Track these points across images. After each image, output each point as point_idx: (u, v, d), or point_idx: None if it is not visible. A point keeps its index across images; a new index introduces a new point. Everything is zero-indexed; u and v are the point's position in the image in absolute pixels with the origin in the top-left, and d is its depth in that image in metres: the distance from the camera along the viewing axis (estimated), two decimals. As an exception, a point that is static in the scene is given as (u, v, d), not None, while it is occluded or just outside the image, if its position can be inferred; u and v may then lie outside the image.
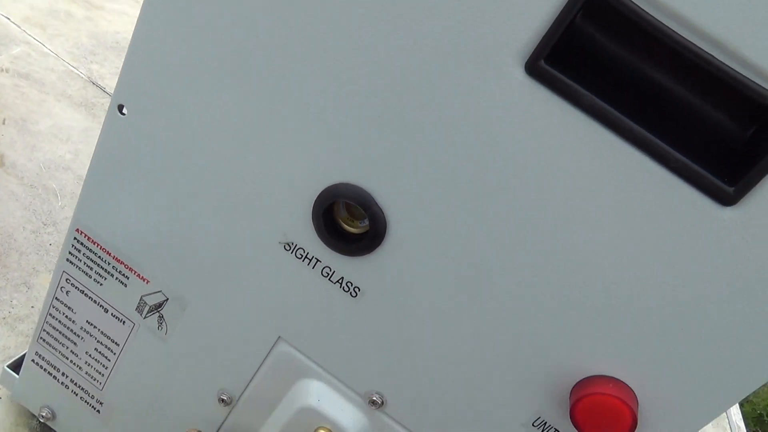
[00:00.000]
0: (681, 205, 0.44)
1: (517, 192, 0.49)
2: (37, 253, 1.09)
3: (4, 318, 0.98)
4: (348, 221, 0.59)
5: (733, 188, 0.42)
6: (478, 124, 0.48)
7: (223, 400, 0.71)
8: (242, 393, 0.70)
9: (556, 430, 0.58)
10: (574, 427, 0.54)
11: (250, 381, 0.69)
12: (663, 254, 0.47)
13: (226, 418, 0.73)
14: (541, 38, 0.43)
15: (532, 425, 0.59)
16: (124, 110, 0.60)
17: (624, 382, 0.54)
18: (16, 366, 0.86)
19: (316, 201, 0.56)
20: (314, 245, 0.59)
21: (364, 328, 0.61)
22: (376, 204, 0.54)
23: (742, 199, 0.42)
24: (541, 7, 0.42)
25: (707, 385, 0.51)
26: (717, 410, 0.53)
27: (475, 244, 0.53)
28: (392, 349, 0.61)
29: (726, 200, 0.43)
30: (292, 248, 0.60)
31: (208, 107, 0.57)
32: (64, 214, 1.25)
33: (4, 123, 1.25)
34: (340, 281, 0.59)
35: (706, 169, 0.42)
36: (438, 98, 0.49)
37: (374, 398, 0.63)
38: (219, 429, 0.74)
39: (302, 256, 0.60)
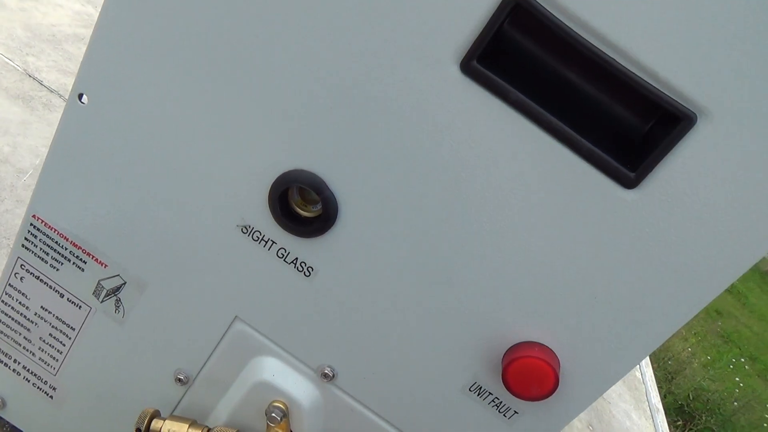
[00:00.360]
0: (591, 187, 0.51)
1: (454, 176, 0.56)
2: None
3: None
4: (301, 206, 0.64)
5: (633, 173, 0.50)
6: (420, 115, 0.54)
7: (180, 379, 0.74)
8: (199, 372, 0.74)
9: (490, 392, 0.65)
10: (506, 388, 0.60)
11: (207, 360, 0.73)
12: (578, 231, 0.55)
13: (182, 397, 0.76)
14: (473, 41, 0.49)
15: (469, 390, 0.65)
16: (84, 98, 0.63)
17: (547, 346, 0.61)
18: (-37, 355, 0.86)
19: (272, 186, 0.61)
20: (270, 228, 0.63)
21: (316, 305, 0.66)
22: (328, 189, 0.60)
23: (641, 183, 0.50)
24: (473, 13, 0.48)
25: (617, 344, 0.58)
26: (626, 367, 0.61)
27: (417, 225, 0.59)
28: (343, 325, 0.66)
29: (628, 183, 0.50)
30: (249, 231, 0.64)
31: (166, 96, 0.61)
32: (4, 207, 1.23)
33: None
34: (294, 262, 0.64)
35: (612, 156, 0.50)
36: (384, 92, 0.54)
37: (326, 371, 0.68)
38: (175, 408, 0.77)
39: (259, 238, 0.64)
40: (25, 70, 1.60)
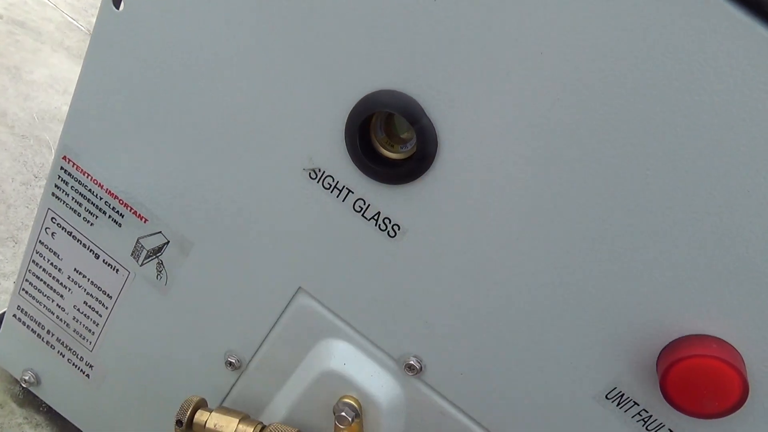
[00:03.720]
0: None
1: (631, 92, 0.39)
2: (27, 207, 0.99)
3: (-13, 273, 0.89)
4: (387, 145, 0.48)
5: None
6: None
7: (231, 363, 0.61)
8: (254, 355, 0.60)
9: (635, 402, 0.47)
10: (665, 398, 0.43)
11: (264, 341, 0.59)
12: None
13: (235, 384, 0.63)
14: None
15: (606, 398, 0.48)
16: (121, 4, 0.50)
17: (728, 343, 0.43)
18: (-4, 323, 0.76)
19: (350, 114, 0.46)
20: (346, 172, 0.48)
21: (403, 276, 0.50)
22: (426, 116, 0.44)
23: None
24: None
25: None
26: None
27: (548, 170, 0.43)
28: (436, 304, 0.50)
29: None
30: (318, 176, 0.49)
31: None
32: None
33: (-5, 69, 1.15)
34: (375, 217, 0.49)
35: None
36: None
37: (411, 363, 0.53)
38: (226, 397, 0.64)
39: (331, 186, 0.49)
40: (89, 30, 1.53)
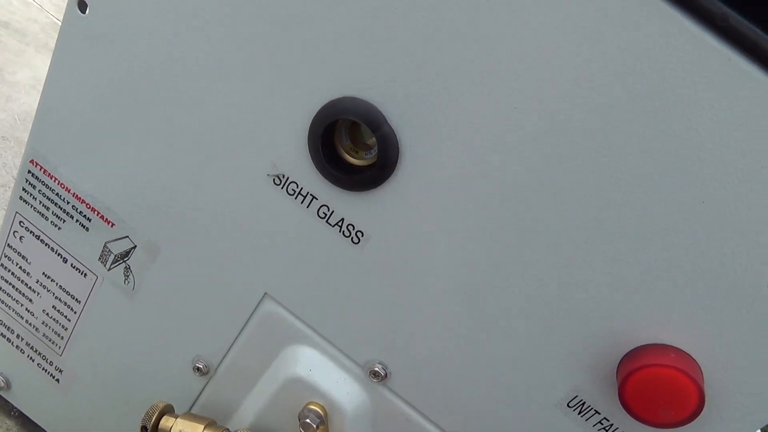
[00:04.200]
0: None
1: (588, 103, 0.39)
2: (5, 209, 0.98)
3: (-39, 276, 0.88)
4: (352, 152, 0.48)
5: None
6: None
7: (199, 368, 0.61)
8: (222, 361, 0.60)
9: (596, 411, 0.48)
10: (623, 407, 0.43)
11: (231, 346, 0.59)
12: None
13: (203, 390, 0.63)
14: None
15: (568, 406, 0.48)
16: (87, 9, 0.50)
17: (687, 353, 0.43)
18: (-33, 327, 0.75)
19: (313, 120, 0.46)
20: (310, 178, 0.48)
21: (367, 282, 0.50)
22: (388, 124, 0.44)
23: None
24: None
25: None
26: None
27: (509, 178, 0.43)
28: (401, 310, 0.50)
29: None
30: (282, 182, 0.49)
31: (184, 4, 0.47)
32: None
33: (-23, 70, 1.15)
34: (339, 224, 0.49)
35: None
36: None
37: (376, 369, 0.53)
38: (194, 403, 0.64)
39: (295, 192, 0.49)
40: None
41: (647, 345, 0.44)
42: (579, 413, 0.48)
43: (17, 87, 1.20)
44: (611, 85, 0.38)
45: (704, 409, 0.42)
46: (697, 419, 0.42)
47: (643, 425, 0.44)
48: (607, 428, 0.48)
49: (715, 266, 0.40)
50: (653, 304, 0.43)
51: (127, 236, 0.57)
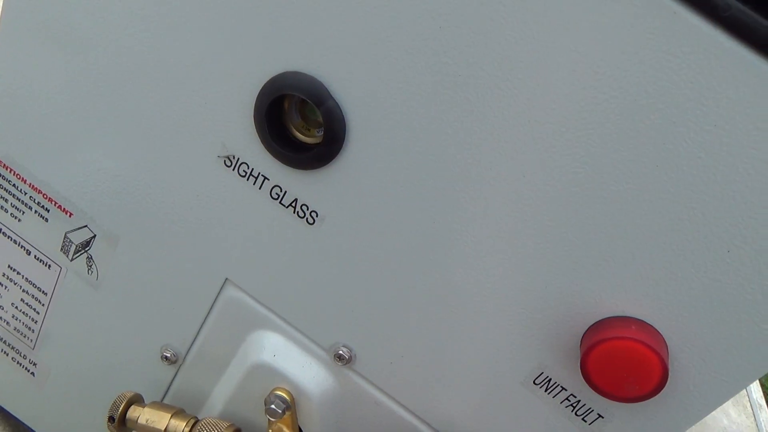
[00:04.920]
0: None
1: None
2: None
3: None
4: (304, 129, 0.47)
5: None
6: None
7: (167, 357, 0.60)
8: (189, 349, 0.59)
9: (562, 387, 0.46)
10: (586, 381, 0.42)
11: (197, 334, 0.58)
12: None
13: (174, 379, 0.62)
14: None
15: (534, 383, 0.47)
16: (23, -8, 0.48)
17: (649, 324, 0.42)
18: (-58, 323, 0.75)
19: (257, 97, 0.44)
20: (260, 158, 0.47)
21: (325, 264, 0.49)
22: (332, 98, 0.42)
23: None
24: None
25: (758, 323, 0.39)
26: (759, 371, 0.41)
27: (461, 145, 0.41)
28: (359, 291, 0.49)
29: None
30: (233, 163, 0.48)
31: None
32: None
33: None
34: (293, 204, 0.48)
35: None
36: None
37: (341, 352, 0.52)
38: (166, 393, 0.63)
39: (246, 173, 0.48)
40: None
41: (609, 318, 0.43)
42: (545, 390, 0.47)
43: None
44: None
45: (668, 382, 0.40)
46: (662, 392, 0.41)
47: (609, 400, 0.43)
48: (574, 405, 0.46)
49: (677, 233, 0.39)
50: (614, 274, 0.41)
51: (86, 225, 0.56)
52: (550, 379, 0.46)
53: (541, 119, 0.38)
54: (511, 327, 0.45)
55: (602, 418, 0.46)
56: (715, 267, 0.38)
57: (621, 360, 0.41)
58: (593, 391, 0.43)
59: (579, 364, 0.42)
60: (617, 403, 0.44)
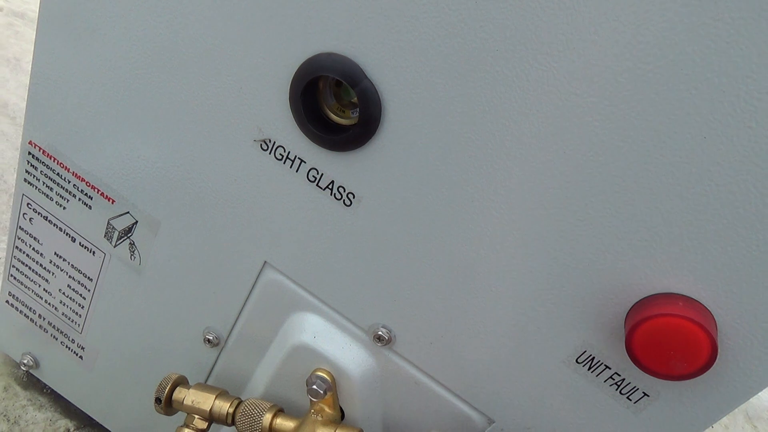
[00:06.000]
0: None
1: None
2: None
3: (-10, 262, 0.91)
4: (338, 111, 0.47)
5: None
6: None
7: (209, 340, 0.61)
8: (231, 331, 0.60)
9: (606, 366, 0.45)
10: (632, 360, 0.41)
11: (238, 317, 0.59)
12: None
13: (216, 361, 0.63)
14: None
15: (576, 362, 0.46)
16: (60, -17, 0.49)
17: (698, 302, 0.41)
18: (-6, 310, 0.78)
19: (292, 80, 0.44)
20: (296, 141, 0.47)
21: (363, 245, 0.49)
22: (367, 78, 0.42)
23: None
24: None
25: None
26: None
27: (499, 123, 0.40)
28: (400, 271, 0.49)
29: None
30: (270, 147, 0.48)
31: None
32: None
33: (-5, 62, 1.17)
34: (330, 186, 0.48)
35: None
36: None
37: (380, 333, 0.52)
38: (209, 375, 0.65)
39: (283, 156, 0.48)
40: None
41: (655, 294, 0.42)
42: (589, 369, 0.46)
43: (35, 75, 1.22)
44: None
45: (717, 359, 0.39)
46: (711, 370, 0.40)
47: (655, 378, 0.42)
48: (618, 383, 0.46)
49: (727, 206, 0.37)
50: (661, 250, 0.40)
51: (128, 212, 0.58)
52: (594, 358, 0.46)
53: (583, 92, 0.37)
54: (554, 305, 0.45)
55: (647, 396, 0.45)
56: (767, 241, 0.37)
57: (668, 337, 0.40)
58: (639, 370, 0.42)
59: (624, 342, 0.41)
60: (663, 381, 0.43)
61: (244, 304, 0.57)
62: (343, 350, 0.54)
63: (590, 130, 0.38)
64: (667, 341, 0.40)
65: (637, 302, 0.42)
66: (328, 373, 0.55)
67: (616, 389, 0.46)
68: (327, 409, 0.54)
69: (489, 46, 0.38)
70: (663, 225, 0.39)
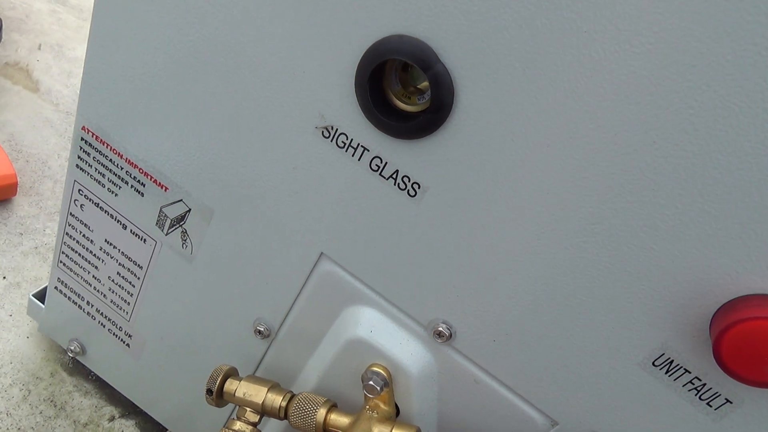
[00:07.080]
0: None
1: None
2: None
3: (36, 248, 0.91)
4: (403, 98, 0.45)
5: None
6: None
7: (260, 331, 0.60)
8: (282, 323, 0.59)
9: (686, 370, 0.43)
10: (719, 365, 0.39)
11: (291, 308, 0.58)
12: None
13: (266, 353, 0.62)
14: None
15: (653, 365, 0.44)
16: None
17: (794, 304, 0.38)
18: (42, 295, 0.78)
19: (359, 64, 0.42)
20: (360, 128, 0.45)
21: (426, 238, 0.47)
22: (441, 62, 0.40)
23: None
24: None
25: None
26: None
27: (580, 115, 0.38)
28: (465, 266, 0.47)
29: None
30: (332, 134, 0.46)
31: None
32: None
33: (39, 48, 1.17)
34: (394, 176, 0.46)
35: None
36: None
37: (440, 329, 0.50)
38: (258, 366, 0.64)
39: (345, 144, 0.46)
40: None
41: (745, 296, 0.39)
42: (666, 373, 0.44)
43: (78, 63, 1.22)
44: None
45: (816, 366, 0.37)
46: (807, 378, 0.37)
47: (742, 384, 0.40)
48: (698, 388, 0.43)
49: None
50: (753, 249, 0.37)
51: (181, 200, 0.56)
52: (672, 361, 0.43)
53: (678, 77, 0.34)
54: (633, 305, 0.42)
55: (730, 403, 0.42)
56: None
57: (761, 342, 0.37)
58: (723, 375, 0.39)
59: (711, 347, 0.39)
60: (750, 387, 0.41)
61: (298, 295, 0.56)
62: (401, 346, 0.52)
63: (684, 118, 0.35)
64: (760, 346, 0.37)
65: (725, 303, 0.40)
66: (385, 368, 0.53)
67: (696, 394, 0.43)
68: (382, 406, 0.53)
69: (577, 26, 0.36)
70: (755, 222, 0.37)
